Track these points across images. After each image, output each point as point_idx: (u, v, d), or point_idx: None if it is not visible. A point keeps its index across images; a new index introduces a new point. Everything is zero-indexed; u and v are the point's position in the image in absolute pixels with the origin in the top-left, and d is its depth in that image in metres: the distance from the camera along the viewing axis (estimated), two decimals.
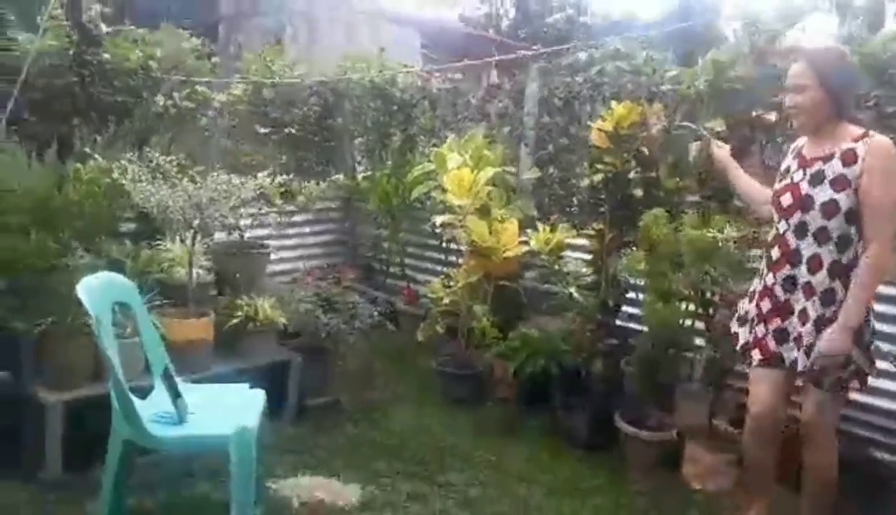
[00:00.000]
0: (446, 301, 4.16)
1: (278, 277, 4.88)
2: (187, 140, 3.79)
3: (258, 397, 2.65)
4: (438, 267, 4.96)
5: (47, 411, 2.76)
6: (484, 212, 4.13)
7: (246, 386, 2.74)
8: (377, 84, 5.12)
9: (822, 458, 2.54)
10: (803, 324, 2.40)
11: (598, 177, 3.43)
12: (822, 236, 2.35)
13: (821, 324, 2.36)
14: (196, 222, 3.14)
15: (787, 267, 2.44)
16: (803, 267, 2.40)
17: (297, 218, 5.29)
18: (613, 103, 3.42)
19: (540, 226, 3.89)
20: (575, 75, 4.50)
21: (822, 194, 2.34)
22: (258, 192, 3.24)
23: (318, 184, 4.02)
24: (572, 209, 4.30)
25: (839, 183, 2.31)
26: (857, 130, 2.34)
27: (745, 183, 2.83)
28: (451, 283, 4.21)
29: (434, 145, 4.75)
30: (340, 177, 4.03)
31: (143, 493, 2.74)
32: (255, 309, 3.44)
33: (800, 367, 2.42)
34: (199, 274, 3.40)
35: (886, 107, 3.13)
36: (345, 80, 5.16)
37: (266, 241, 4.18)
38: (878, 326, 2.58)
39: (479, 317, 3.99)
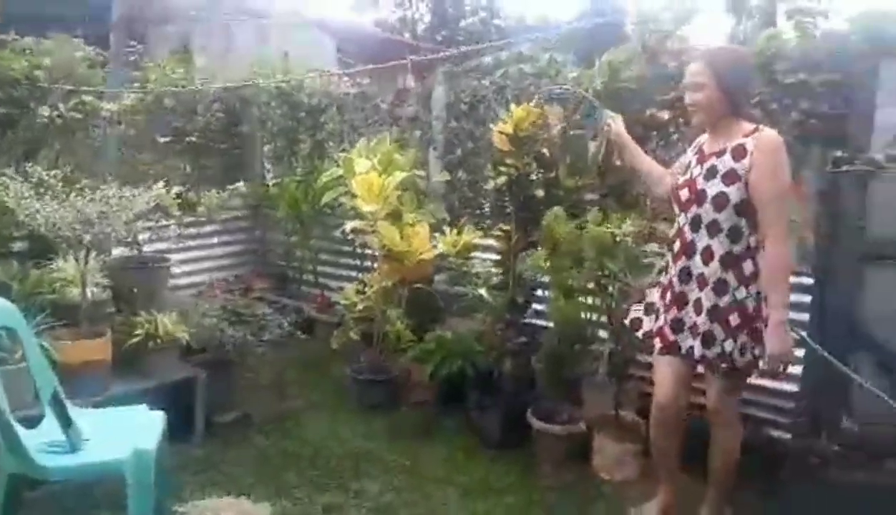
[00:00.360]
0: (360, 307, 4.12)
1: (184, 291, 4.75)
2: (78, 152, 3.62)
3: (157, 418, 2.56)
4: (353, 273, 4.93)
5: None
6: (395, 216, 4.13)
7: (144, 407, 2.64)
8: (283, 89, 5.03)
9: (728, 441, 2.68)
10: (698, 314, 2.51)
11: (502, 179, 3.48)
12: (713, 228, 2.46)
13: (714, 314, 2.47)
14: (87, 238, 3.01)
15: (684, 258, 2.55)
16: (697, 259, 2.51)
17: (204, 228, 5.18)
18: (513, 106, 3.47)
19: (447, 229, 3.91)
20: (481, 79, 4.56)
21: (714, 188, 2.44)
22: (154, 204, 3.12)
23: (218, 193, 3.90)
24: (482, 211, 4.34)
25: (729, 177, 2.41)
26: (750, 126, 2.45)
27: (642, 158, 2.94)
28: (366, 289, 4.19)
29: (343, 150, 4.71)
30: (241, 184, 3.93)
31: None
32: (156, 326, 3.32)
33: (696, 355, 2.52)
34: (93, 293, 3.26)
35: (770, 103, 3.32)
36: (250, 85, 5.05)
37: (168, 254, 4.05)
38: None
39: (393, 322, 3.99)
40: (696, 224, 2.51)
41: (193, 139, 4.69)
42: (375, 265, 4.40)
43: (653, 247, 3.09)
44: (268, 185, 5.37)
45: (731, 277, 2.45)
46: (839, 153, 3.02)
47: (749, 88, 2.64)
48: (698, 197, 2.49)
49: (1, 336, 2.45)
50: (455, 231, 3.86)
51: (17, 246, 3.21)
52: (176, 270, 4.77)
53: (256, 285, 5.42)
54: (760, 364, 2.51)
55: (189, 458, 3.28)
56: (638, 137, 3.55)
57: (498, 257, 3.81)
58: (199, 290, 4.49)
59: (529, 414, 3.41)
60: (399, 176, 4.04)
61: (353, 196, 4.05)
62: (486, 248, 4.02)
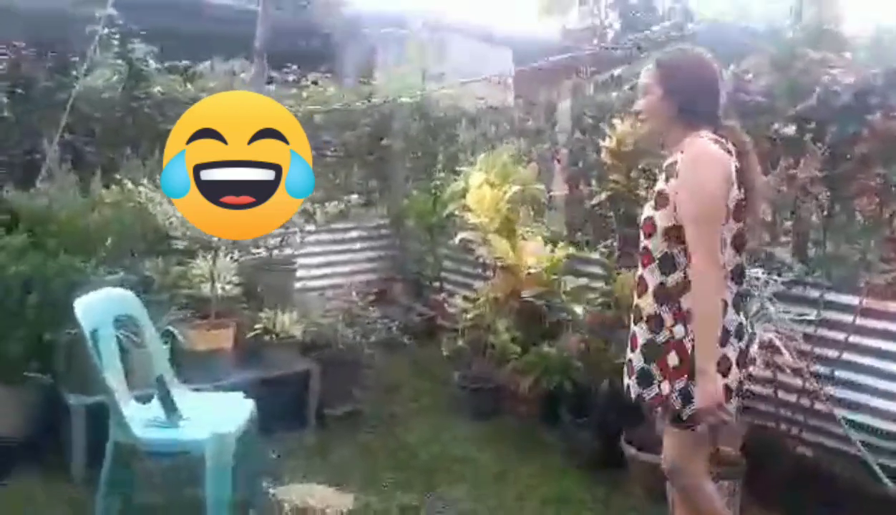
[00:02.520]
0: (470, 316, 4.22)
1: (325, 291, 5.12)
2: None
3: (246, 405, 2.83)
4: (476, 283, 5.03)
5: (73, 413, 3.07)
6: (508, 229, 4.18)
7: (240, 394, 2.92)
8: (420, 104, 5.28)
9: (692, 499, 2.26)
10: (633, 350, 2.22)
11: (604, 194, 3.41)
12: (646, 257, 2.17)
13: (648, 350, 2.16)
14: (216, 240, 3.40)
15: (635, 293, 2.26)
16: (636, 291, 2.24)
17: (350, 234, 5.59)
18: (616, 121, 3.38)
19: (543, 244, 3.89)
20: (610, 90, 4.48)
21: (647, 211, 2.18)
22: None
23: (338, 202, 4.20)
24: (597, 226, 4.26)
25: (660, 199, 2.11)
26: (695, 141, 2.08)
27: None
28: (477, 298, 4.28)
29: (470, 163, 4.84)
30: (354, 197, 4.20)
31: (149, 492, 2.98)
32: (274, 322, 3.65)
33: (632, 394, 2.22)
34: (224, 289, 3.66)
35: None
36: (390, 102, 5.35)
37: (311, 258, 4.43)
38: None
39: (499, 333, 4.03)
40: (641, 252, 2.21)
41: (330, 152, 5.05)
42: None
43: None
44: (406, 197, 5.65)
45: (666, 313, 2.11)
46: None
47: (705, 97, 2.14)
48: (643, 223, 2.20)
49: (124, 322, 2.83)
50: (550, 246, 3.82)
51: (163, 247, 3.67)
52: (317, 272, 5.23)
53: (392, 290, 5.73)
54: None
55: (297, 446, 3.58)
56: (763, 153, 3.35)
57: (605, 273, 3.74)
58: (337, 292, 4.79)
59: (623, 439, 3.30)
60: (512, 189, 4.09)
61: (468, 209, 4.17)
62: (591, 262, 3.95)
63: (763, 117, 3.35)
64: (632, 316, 2.26)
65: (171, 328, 3.34)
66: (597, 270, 3.97)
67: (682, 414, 2.10)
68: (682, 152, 2.09)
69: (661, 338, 2.12)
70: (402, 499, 3.14)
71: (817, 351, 3.17)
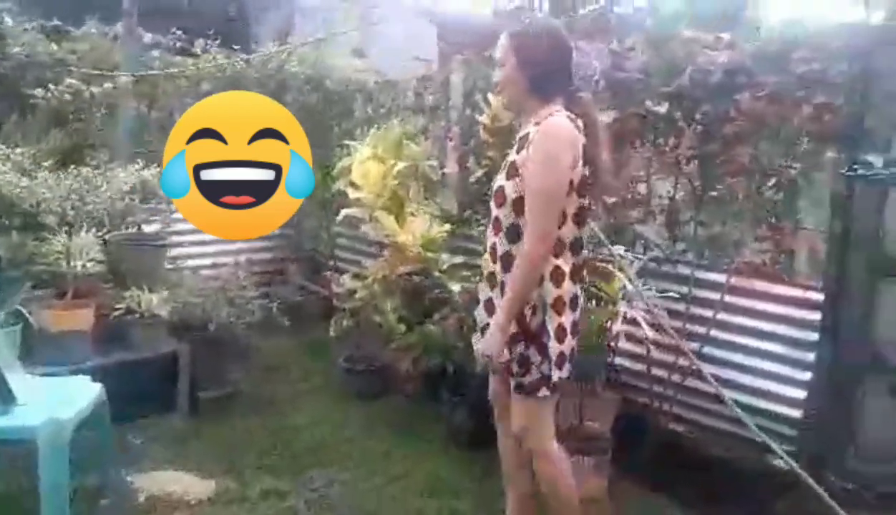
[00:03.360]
0: (358, 295, 4.11)
1: (213, 270, 4.91)
2: (81, 132, 3.82)
3: (92, 389, 2.66)
4: (368, 261, 4.92)
5: None
6: (396, 206, 4.07)
7: (87, 378, 2.75)
8: (313, 76, 5.09)
9: (543, 476, 2.32)
10: (489, 314, 2.27)
11: (481, 171, 3.34)
12: (496, 225, 2.21)
13: (492, 311, 2.24)
14: (71, 214, 3.17)
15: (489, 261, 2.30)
16: (487, 256, 2.29)
17: None
18: (490, 96, 3.32)
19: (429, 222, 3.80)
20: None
21: (498, 182, 2.22)
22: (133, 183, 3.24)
23: None
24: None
25: (511, 170, 2.15)
26: (550, 112, 2.12)
27: None
28: (366, 277, 4.17)
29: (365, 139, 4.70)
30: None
31: None
32: (139, 301, 3.45)
33: (478, 355, 2.26)
34: (85, 267, 3.43)
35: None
36: (283, 72, 5.14)
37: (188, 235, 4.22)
38: None
39: (384, 312, 3.94)
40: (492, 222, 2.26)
41: None
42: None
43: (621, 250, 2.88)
44: None
45: (509, 279, 2.16)
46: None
47: (556, 67, 2.15)
48: (494, 192, 2.24)
49: None
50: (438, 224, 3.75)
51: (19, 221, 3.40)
52: (209, 249, 5.00)
53: (288, 269, 5.56)
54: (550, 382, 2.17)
55: (163, 431, 3.41)
56: (635, 129, 3.36)
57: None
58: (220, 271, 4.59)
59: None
60: (399, 165, 3.98)
61: (353, 184, 4.03)
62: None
63: (639, 95, 3.37)
64: (488, 283, 2.29)
65: (19, 307, 3.10)
66: (478, 247, 3.92)
67: (521, 380, 2.19)
68: (536, 124, 2.12)
69: None
70: (270, 483, 3.03)
71: (688, 328, 3.23)
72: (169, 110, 4.56)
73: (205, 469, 3.10)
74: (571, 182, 2.08)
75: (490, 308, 2.28)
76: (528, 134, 2.13)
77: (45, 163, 3.08)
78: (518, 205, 2.12)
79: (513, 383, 2.23)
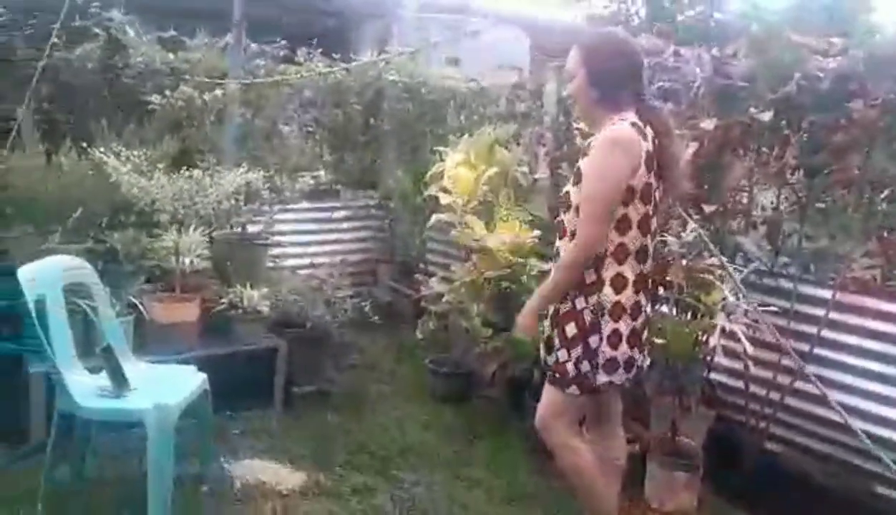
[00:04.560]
0: (446, 299, 4.16)
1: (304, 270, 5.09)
2: (209, 137, 4.04)
3: (197, 378, 2.80)
4: (458, 265, 4.96)
5: (31, 382, 3.06)
6: (486, 211, 4.11)
7: (192, 368, 2.90)
8: (408, 85, 5.20)
9: (559, 456, 2.39)
10: (552, 327, 2.32)
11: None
12: (562, 230, 2.28)
13: (553, 319, 2.29)
14: (181, 213, 3.37)
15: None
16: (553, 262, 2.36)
17: (338, 213, 5.55)
18: None
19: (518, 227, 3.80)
20: None
21: (566, 187, 2.28)
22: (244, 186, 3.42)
23: (311, 178, 4.15)
24: None
25: (576, 176, 2.21)
26: (616, 121, 2.14)
27: None
28: (454, 281, 4.21)
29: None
30: (321, 172, 4.14)
31: (103, 464, 2.96)
32: (242, 297, 3.62)
33: (541, 360, 2.39)
34: (193, 263, 3.63)
35: None
36: (380, 81, 5.28)
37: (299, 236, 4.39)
38: None
39: (471, 317, 3.97)
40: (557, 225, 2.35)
41: (311, 128, 4.99)
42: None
43: (713, 261, 2.79)
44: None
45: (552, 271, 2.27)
46: None
47: (625, 78, 2.17)
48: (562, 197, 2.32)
49: (76, 291, 2.80)
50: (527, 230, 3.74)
51: (133, 218, 3.64)
52: (308, 250, 5.19)
53: (379, 271, 5.69)
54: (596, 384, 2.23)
55: (260, 423, 3.56)
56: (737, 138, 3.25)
57: None
58: (315, 271, 4.75)
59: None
60: (490, 170, 4.02)
61: (444, 190, 4.10)
62: None
63: (743, 102, 3.25)
64: None
65: (133, 299, 3.32)
66: None
67: (572, 378, 2.23)
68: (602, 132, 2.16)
69: (563, 308, 2.23)
70: (358, 479, 3.11)
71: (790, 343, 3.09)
72: (273, 117, 4.75)
73: (296, 461, 3.21)
74: (632, 189, 2.10)
75: (552, 319, 2.30)
76: (592, 141, 2.18)
77: (160, 165, 3.28)
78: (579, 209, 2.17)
79: (556, 377, 2.28)
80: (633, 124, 2.12)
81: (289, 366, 3.76)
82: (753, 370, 3.07)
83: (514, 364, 3.63)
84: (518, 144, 4.66)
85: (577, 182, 2.18)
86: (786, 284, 3.17)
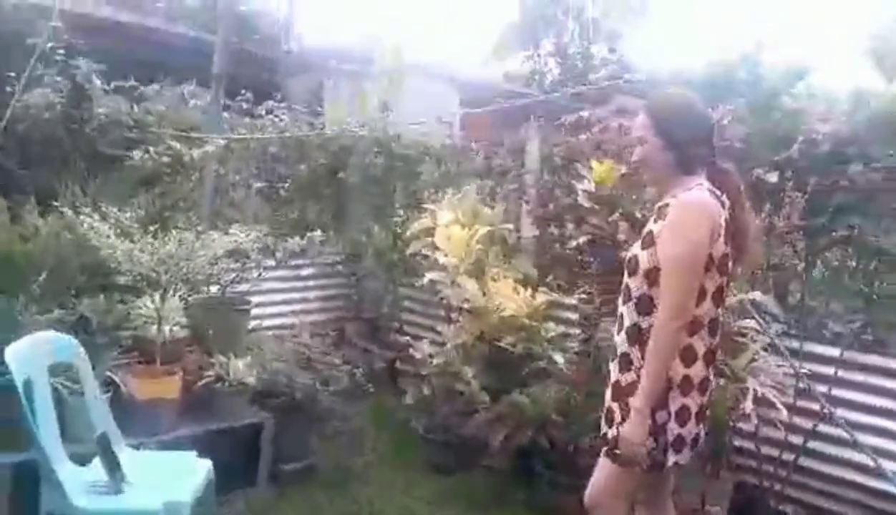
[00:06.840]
0: (436, 361, 3.99)
1: (275, 331, 4.80)
2: (172, 195, 3.77)
3: (202, 466, 2.52)
4: (438, 324, 4.81)
5: None
6: (477, 271, 4.00)
7: (193, 454, 2.61)
8: (380, 139, 5.08)
9: None
10: (612, 398, 2.18)
11: (583, 238, 3.27)
12: (626, 295, 2.15)
13: (615, 390, 2.14)
14: (165, 278, 3.09)
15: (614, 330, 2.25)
16: (615, 327, 2.22)
17: (302, 271, 5.28)
18: (594, 163, 3.27)
19: (521, 288, 3.71)
20: (577, 133, 4.38)
21: (633, 250, 2.15)
22: (231, 248, 3.17)
23: (301, 239, 3.93)
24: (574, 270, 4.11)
25: (647, 239, 2.09)
26: (692, 185, 2.06)
27: None
28: (444, 343, 4.06)
29: (434, 201, 4.66)
30: (318, 233, 3.94)
31: None
32: (227, 369, 3.34)
33: (601, 433, 2.20)
34: (172, 331, 3.33)
35: None
36: (349, 135, 5.14)
37: (261, 296, 4.14)
38: None
39: (467, 380, 3.81)
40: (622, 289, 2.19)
41: (283, 186, 4.79)
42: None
43: (750, 323, 2.77)
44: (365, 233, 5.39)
45: (636, 353, 2.09)
46: None
47: (698, 140, 2.10)
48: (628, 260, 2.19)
49: (61, 371, 2.49)
50: (529, 290, 3.65)
51: (107, 282, 3.31)
52: (270, 310, 4.90)
53: (347, 330, 5.44)
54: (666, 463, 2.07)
55: (248, 504, 3.25)
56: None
57: (583, 321, 3.59)
58: (291, 332, 4.47)
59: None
60: (482, 229, 3.93)
61: (436, 248, 3.97)
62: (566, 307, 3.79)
63: (743, 164, 3.31)
64: (618, 363, 2.17)
65: (112, 375, 3.00)
66: (571, 316, 3.82)
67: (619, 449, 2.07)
68: (674, 196, 2.07)
69: (627, 379, 2.10)
70: None
71: (801, 405, 3.10)
72: (242, 173, 4.51)
73: None
74: (711, 257, 2.01)
75: (614, 390, 2.16)
76: (666, 204, 2.08)
77: (151, 227, 3.00)
78: (651, 275, 2.05)
79: (605, 449, 2.15)
80: (710, 191, 2.05)
81: (275, 442, 3.47)
82: (765, 429, 3.05)
83: (522, 431, 3.47)
84: (495, 201, 4.61)
85: (648, 245, 2.07)
86: (792, 343, 3.19)
